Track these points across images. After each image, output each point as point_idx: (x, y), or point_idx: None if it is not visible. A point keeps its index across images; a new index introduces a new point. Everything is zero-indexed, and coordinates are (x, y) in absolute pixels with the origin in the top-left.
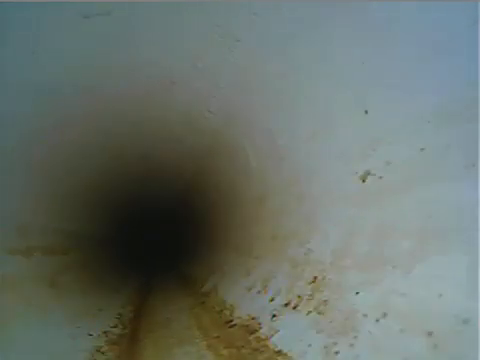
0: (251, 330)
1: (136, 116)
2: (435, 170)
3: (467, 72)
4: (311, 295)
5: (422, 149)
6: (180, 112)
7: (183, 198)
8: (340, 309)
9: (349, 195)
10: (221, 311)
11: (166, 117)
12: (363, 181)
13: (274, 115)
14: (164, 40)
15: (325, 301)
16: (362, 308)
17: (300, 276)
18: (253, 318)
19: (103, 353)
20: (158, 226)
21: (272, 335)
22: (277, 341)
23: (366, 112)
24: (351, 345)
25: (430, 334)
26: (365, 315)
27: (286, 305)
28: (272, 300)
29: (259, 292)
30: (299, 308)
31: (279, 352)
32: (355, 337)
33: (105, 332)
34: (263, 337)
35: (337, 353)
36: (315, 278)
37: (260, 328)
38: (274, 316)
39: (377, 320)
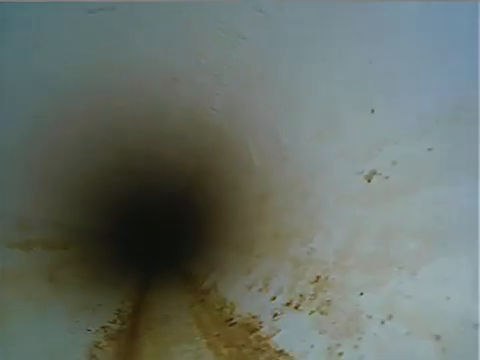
0: (252, 329)
1: (138, 113)
2: (443, 171)
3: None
4: (314, 295)
5: (429, 149)
6: (183, 109)
7: (184, 195)
8: (344, 310)
9: (354, 195)
10: (221, 309)
11: (168, 113)
12: (368, 181)
13: (278, 113)
14: (168, 36)
15: (328, 301)
16: (367, 309)
17: (302, 275)
18: (254, 317)
19: (101, 348)
20: (158, 223)
21: (273, 334)
22: (278, 341)
23: (372, 111)
24: (355, 347)
25: (438, 338)
26: (370, 316)
27: (288, 304)
28: (273, 299)
29: (260, 290)
30: (301, 308)
31: (281, 352)
32: (359, 339)
33: (104, 327)
34: (264, 336)
35: (341, 354)
36: (318, 278)
37: (261, 327)
38: (275, 315)
39: (382, 322)
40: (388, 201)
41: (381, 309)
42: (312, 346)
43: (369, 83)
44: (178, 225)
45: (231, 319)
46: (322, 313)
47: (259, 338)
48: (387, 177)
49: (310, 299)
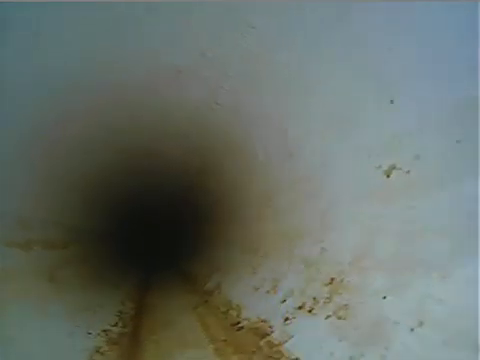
0: (262, 334)
1: (140, 111)
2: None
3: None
4: (328, 298)
5: (458, 141)
6: (186, 106)
7: (187, 194)
8: (365, 315)
9: (371, 191)
10: (227, 312)
11: (171, 111)
12: (387, 176)
13: (287, 107)
14: (171, 29)
15: (345, 305)
16: (392, 315)
17: (315, 277)
18: (263, 320)
19: (103, 353)
20: (160, 223)
21: (286, 341)
22: (292, 347)
23: (392, 102)
24: (382, 356)
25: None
26: (396, 323)
27: (300, 308)
28: (283, 301)
29: (268, 292)
30: (315, 311)
31: None
32: (386, 348)
33: (105, 331)
34: (276, 342)
35: None
36: (332, 279)
37: (272, 332)
38: (287, 319)
39: (412, 329)
40: (410, 197)
41: (409, 315)
42: (332, 354)
43: (387, 72)
44: (180, 225)
45: (238, 323)
46: (340, 318)
47: (270, 344)
48: (408, 172)
49: (325, 302)
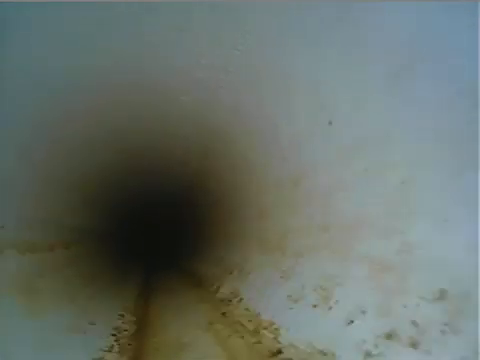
0: None
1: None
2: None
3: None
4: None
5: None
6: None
7: (188, 194)
8: None
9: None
10: (257, 332)
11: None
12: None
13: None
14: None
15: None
16: None
17: (390, 286)
18: (323, 352)
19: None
20: (159, 223)
21: None
22: None
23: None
24: None
25: None
26: None
27: (389, 336)
28: (350, 323)
29: (315, 306)
30: (421, 345)
31: None
32: None
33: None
34: None
35: None
36: (443, 292)
37: None
38: (369, 356)
39: None
40: None
41: None
42: None
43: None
44: (180, 225)
45: (280, 351)
46: None
47: None
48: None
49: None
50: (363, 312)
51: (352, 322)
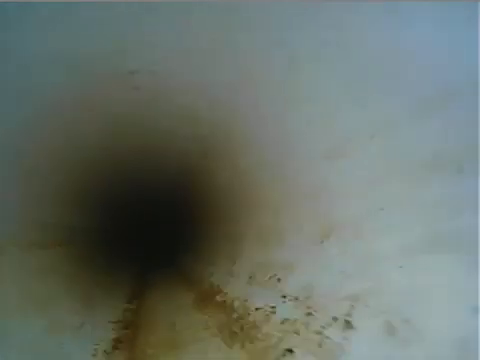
0: None
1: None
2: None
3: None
4: None
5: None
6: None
7: (186, 193)
8: None
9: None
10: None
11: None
12: None
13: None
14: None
15: None
16: None
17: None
18: None
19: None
20: (157, 223)
21: None
22: None
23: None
24: None
25: None
26: None
27: None
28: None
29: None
30: None
31: None
32: None
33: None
34: None
35: None
36: None
37: None
38: None
39: None
40: None
41: None
42: None
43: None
44: (179, 224)
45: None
46: None
47: None
48: None
49: None
50: None
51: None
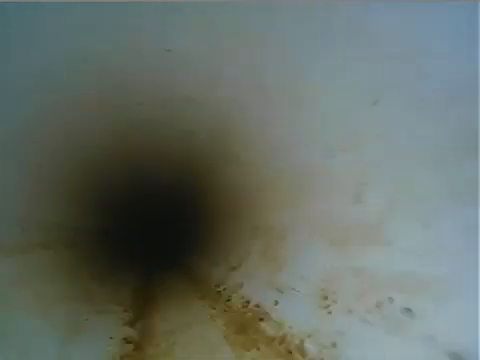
0: None
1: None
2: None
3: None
4: None
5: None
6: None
7: (188, 193)
8: None
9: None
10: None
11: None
12: None
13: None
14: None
15: None
16: None
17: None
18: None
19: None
20: (159, 222)
21: None
22: None
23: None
24: None
25: None
26: None
27: None
28: None
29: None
30: None
31: None
32: None
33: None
34: None
35: None
36: None
37: None
38: None
39: None
40: None
41: None
42: None
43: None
44: (182, 223)
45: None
46: None
47: None
48: None
49: None
50: None
51: None
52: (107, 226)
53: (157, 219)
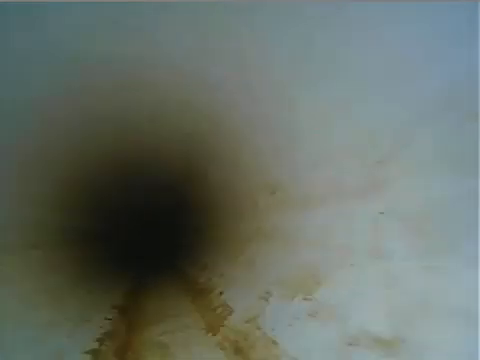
0: None
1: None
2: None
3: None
4: None
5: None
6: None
7: (185, 195)
8: None
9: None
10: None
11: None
12: None
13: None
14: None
15: None
16: None
17: None
18: None
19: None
20: (156, 225)
21: None
22: None
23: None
24: None
25: None
26: None
27: None
28: None
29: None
30: None
31: None
32: None
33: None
34: None
35: None
36: None
37: None
38: None
39: None
40: None
41: None
42: None
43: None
44: (178, 224)
45: None
46: None
47: None
48: None
49: None
50: None
51: None
52: (96, 227)
53: (153, 220)
